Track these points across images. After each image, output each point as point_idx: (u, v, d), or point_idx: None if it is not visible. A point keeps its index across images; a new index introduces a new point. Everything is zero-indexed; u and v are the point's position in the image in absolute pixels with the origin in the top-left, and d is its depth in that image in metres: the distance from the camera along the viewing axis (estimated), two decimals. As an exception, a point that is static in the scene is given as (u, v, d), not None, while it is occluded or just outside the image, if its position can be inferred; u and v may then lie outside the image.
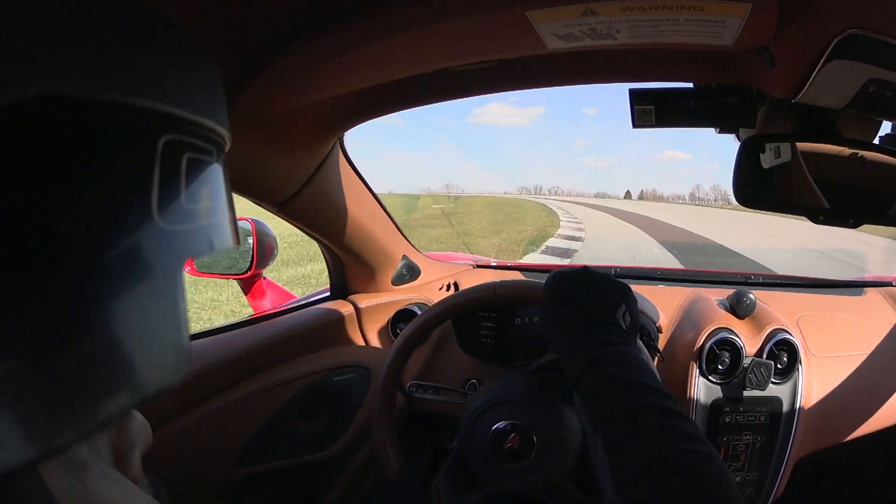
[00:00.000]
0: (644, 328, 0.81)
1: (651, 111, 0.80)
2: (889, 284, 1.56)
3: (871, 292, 1.50)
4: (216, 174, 0.28)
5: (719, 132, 0.85)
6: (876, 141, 0.86)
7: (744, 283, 1.57)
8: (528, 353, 1.11)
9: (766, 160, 0.83)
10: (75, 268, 0.20)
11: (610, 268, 1.64)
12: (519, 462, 0.87)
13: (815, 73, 0.63)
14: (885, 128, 0.87)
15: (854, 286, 1.56)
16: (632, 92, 0.81)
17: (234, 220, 0.30)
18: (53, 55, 0.19)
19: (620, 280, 0.76)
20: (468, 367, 1.20)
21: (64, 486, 0.34)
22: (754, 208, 0.86)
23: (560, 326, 0.70)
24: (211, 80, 0.28)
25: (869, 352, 1.27)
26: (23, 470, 0.19)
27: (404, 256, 1.39)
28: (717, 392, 1.12)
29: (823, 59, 0.60)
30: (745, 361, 1.12)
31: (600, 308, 0.70)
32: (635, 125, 0.82)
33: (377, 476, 0.98)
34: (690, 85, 0.83)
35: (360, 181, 1.19)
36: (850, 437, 1.21)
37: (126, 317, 0.22)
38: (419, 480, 0.96)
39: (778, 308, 1.28)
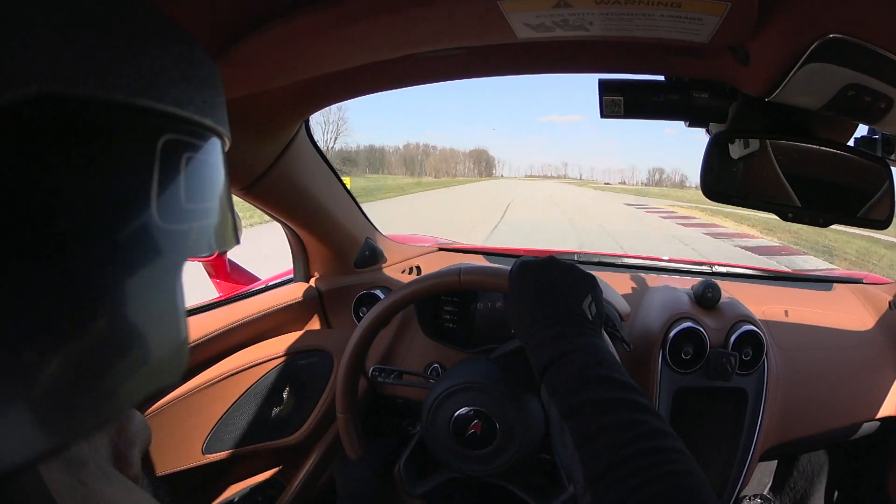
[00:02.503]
0: (609, 319, 0.82)
1: (620, 102, 0.80)
2: (859, 281, 1.58)
3: (840, 288, 1.53)
4: (216, 174, 0.28)
5: (688, 126, 0.85)
6: (851, 143, 0.87)
7: (710, 273, 1.57)
8: (491, 336, 1.13)
9: (735, 150, 0.84)
10: (75, 267, 0.20)
11: (573, 253, 1.63)
12: (481, 448, 0.88)
13: (791, 74, 0.63)
14: (862, 130, 0.88)
15: (823, 281, 1.58)
16: (601, 82, 0.80)
17: (234, 220, 0.30)
18: (53, 55, 0.19)
19: (586, 270, 0.76)
20: (431, 351, 1.20)
21: (64, 486, 0.34)
22: (721, 202, 0.86)
23: (526, 316, 0.70)
24: (210, 79, 0.28)
25: (836, 347, 1.30)
26: (24, 468, 0.19)
27: (367, 239, 1.38)
28: (681, 381, 1.13)
29: (801, 61, 0.60)
30: (709, 352, 1.13)
31: (567, 299, 0.70)
32: (603, 115, 0.82)
33: (341, 459, 0.98)
34: (662, 78, 0.82)
35: (324, 164, 1.17)
36: (816, 432, 1.24)
37: (126, 316, 0.22)
38: (382, 463, 0.96)
39: (745, 300, 1.29)
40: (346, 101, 0.95)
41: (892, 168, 0.84)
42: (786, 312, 1.36)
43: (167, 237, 0.24)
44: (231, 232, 0.30)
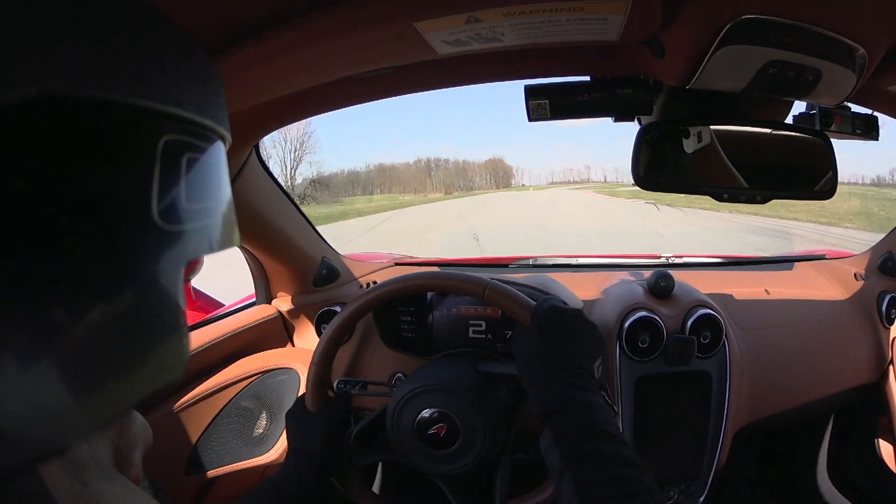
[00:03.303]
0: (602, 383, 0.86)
1: (545, 105, 0.83)
2: (822, 257, 1.62)
3: (802, 266, 1.56)
4: (217, 174, 0.28)
5: (615, 121, 0.88)
6: (790, 121, 0.90)
7: (668, 265, 1.59)
8: (447, 343, 1.15)
9: (690, 145, 0.86)
10: (76, 267, 0.20)
11: (528, 258, 1.64)
12: (446, 448, 0.90)
13: (706, 60, 0.65)
14: (800, 107, 0.91)
15: (784, 261, 1.61)
16: (526, 88, 0.83)
17: (234, 220, 0.30)
18: (54, 55, 0.19)
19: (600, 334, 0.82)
20: (392, 362, 1.22)
21: (65, 487, 0.34)
22: (654, 190, 0.89)
23: (544, 359, 0.75)
24: (211, 79, 0.27)
25: (802, 323, 1.33)
26: (25, 469, 0.19)
27: (324, 258, 1.39)
28: (641, 370, 1.15)
29: (714, 46, 0.62)
30: (666, 339, 1.14)
31: (584, 355, 0.76)
32: (531, 119, 0.85)
33: (297, 409, 0.98)
34: (588, 78, 0.85)
35: (275, 186, 1.19)
36: (788, 407, 1.26)
37: (127, 316, 0.22)
38: (336, 426, 0.96)
39: (704, 286, 1.31)
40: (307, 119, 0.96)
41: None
42: (766, 291, 1.39)
43: (168, 238, 0.23)
44: (232, 232, 0.29)
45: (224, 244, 0.28)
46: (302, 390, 1.24)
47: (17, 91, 0.18)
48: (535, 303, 0.85)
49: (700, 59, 0.66)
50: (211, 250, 0.27)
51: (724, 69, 0.68)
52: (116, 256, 0.21)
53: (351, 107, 0.92)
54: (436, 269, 1.60)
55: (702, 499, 1.17)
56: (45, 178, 0.19)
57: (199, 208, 0.26)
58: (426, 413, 0.90)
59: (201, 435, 1.13)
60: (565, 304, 0.84)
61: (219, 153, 0.28)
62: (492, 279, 0.90)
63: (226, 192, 0.29)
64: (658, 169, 0.88)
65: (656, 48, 0.70)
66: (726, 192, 0.88)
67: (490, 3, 0.56)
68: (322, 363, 0.97)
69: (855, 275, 1.45)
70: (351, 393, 1.07)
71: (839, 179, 0.89)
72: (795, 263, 1.59)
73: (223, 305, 1.56)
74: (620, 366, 1.15)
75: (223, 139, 0.29)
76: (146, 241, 0.22)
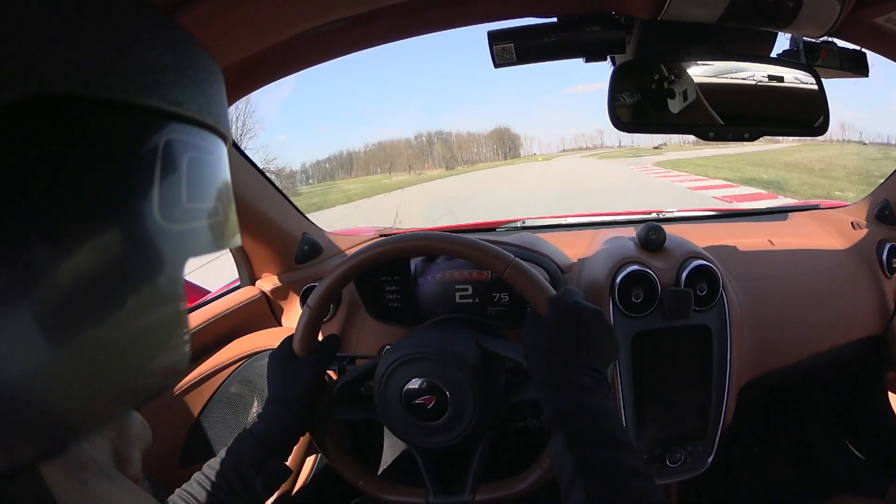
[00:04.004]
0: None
1: (511, 49, 0.80)
2: (816, 207, 1.60)
3: (796, 216, 1.53)
4: (217, 173, 0.28)
5: (586, 62, 0.85)
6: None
7: (660, 220, 1.56)
8: (434, 311, 1.12)
9: (675, 105, 0.84)
10: (76, 267, 0.20)
11: (516, 221, 1.61)
12: (431, 421, 0.87)
13: None
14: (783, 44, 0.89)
15: (778, 212, 1.59)
16: (489, 33, 0.81)
17: (236, 220, 0.30)
18: (54, 54, 0.19)
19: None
20: (381, 334, 1.19)
21: (65, 487, 0.35)
22: (633, 132, 0.88)
23: (562, 359, 0.73)
24: (212, 78, 0.27)
25: (801, 273, 1.30)
26: (26, 469, 0.19)
27: (304, 234, 1.37)
28: (638, 326, 1.11)
29: None
30: (661, 292, 1.11)
31: (601, 359, 0.74)
32: (496, 65, 0.82)
33: (281, 353, 0.94)
34: (555, 19, 0.82)
35: (248, 164, 1.16)
36: (792, 361, 1.24)
37: (127, 315, 0.22)
38: (319, 376, 0.93)
39: (698, 239, 1.27)
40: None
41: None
42: (770, 242, 1.36)
43: (169, 237, 0.23)
44: (234, 231, 0.29)
45: (225, 244, 0.28)
46: None
47: (18, 90, 0.17)
48: (555, 292, 0.81)
49: None
50: (212, 250, 0.27)
51: None
52: (118, 255, 0.21)
53: (313, 66, 0.89)
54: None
55: (710, 459, 1.14)
56: (45, 176, 0.19)
57: (200, 207, 0.26)
58: (415, 383, 0.87)
59: (192, 426, 1.12)
60: (585, 299, 0.81)
61: (220, 152, 0.28)
62: (515, 257, 0.85)
63: (227, 191, 0.29)
64: (638, 110, 0.86)
65: None
66: (712, 131, 0.86)
67: None
68: (318, 307, 0.93)
69: (852, 223, 1.43)
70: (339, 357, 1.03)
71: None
72: (789, 214, 1.56)
73: (209, 292, 1.53)
74: (615, 323, 1.11)
75: (225, 138, 0.29)
76: (147, 240, 0.22)
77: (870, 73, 0.92)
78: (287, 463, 0.88)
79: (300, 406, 0.88)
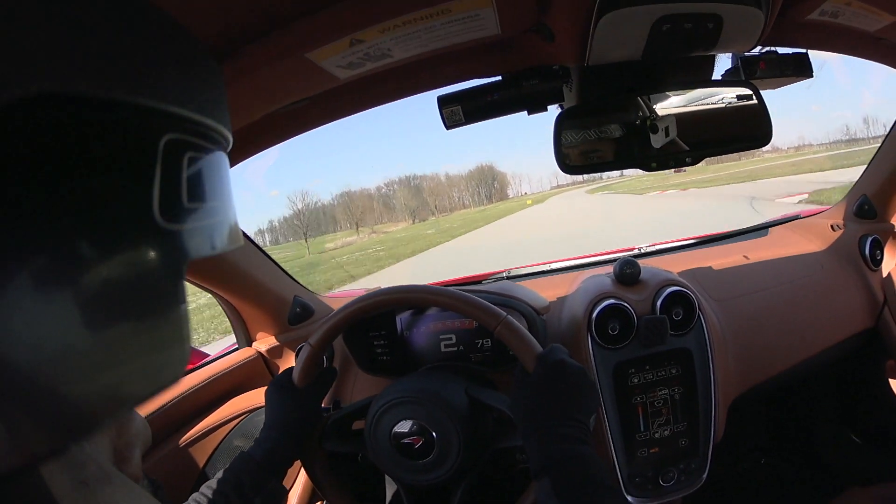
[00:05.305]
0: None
1: (458, 111, 0.86)
2: (796, 217, 1.62)
3: (777, 230, 1.57)
4: (218, 174, 0.28)
5: (529, 114, 0.91)
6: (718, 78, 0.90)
7: (640, 255, 1.59)
8: (422, 362, 1.17)
9: (658, 140, 0.87)
10: (76, 266, 0.20)
11: (501, 272, 1.64)
12: (418, 459, 0.91)
13: (591, 33, 0.66)
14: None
15: (757, 229, 1.62)
16: (439, 98, 0.87)
17: (236, 220, 0.30)
18: (56, 53, 0.19)
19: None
20: (373, 387, 1.22)
21: (65, 486, 0.36)
22: (580, 174, 0.91)
23: (547, 412, 0.78)
24: (212, 79, 0.28)
25: (782, 284, 1.33)
26: (26, 469, 0.20)
27: (296, 296, 1.42)
28: (617, 356, 1.15)
29: (594, 16, 0.63)
30: (637, 322, 1.15)
31: (583, 410, 0.79)
32: (448, 127, 0.88)
33: (280, 381, 0.98)
34: (500, 78, 0.87)
35: None
36: (784, 368, 1.26)
37: (128, 315, 0.22)
38: (314, 408, 0.98)
39: (675, 266, 1.31)
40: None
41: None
42: (745, 257, 1.39)
43: (169, 237, 0.23)
44: (234, 232, 0.29)
45: (226, 244, 0.28)
46: None
47: (19, 89, 0.18)
48: (542, 350, 0.86)
49: (585, 33, 0.67)
50: (213, 250, 0.27)
51: (613, 37, 0.69)
52: (118, 254, 0.22)
53: (277, 145, 0.95)
54: None
55: (704, 475, 1.16)
56: (45, 175, 0.19)
57: (200, 207, 0.26)
58: (404, 425, 0.91)
59: (199, 476, 1.15)
60: (570, 355, 0.86)
61: (220, 152, 0.29)
62: (507, 314, 0.90)
63: (228, 191, 0.29)
64: (582, 152, 0.90)
65: (545, 33, 0.72)
66: (654, 161, 0.89)
67: (362, 23, 0.59)
68: (318, 346, 0.97)
69: (832, 226, 1.46)
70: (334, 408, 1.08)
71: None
72: (770, 229, 1.59)
73: (208, 356, 1.58)
74: (594, 356, 1.15)
75: (225, 139, 0.29)
76: (147, 239, 0.23)
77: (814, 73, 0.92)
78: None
79: (299, 432, 0.93)
